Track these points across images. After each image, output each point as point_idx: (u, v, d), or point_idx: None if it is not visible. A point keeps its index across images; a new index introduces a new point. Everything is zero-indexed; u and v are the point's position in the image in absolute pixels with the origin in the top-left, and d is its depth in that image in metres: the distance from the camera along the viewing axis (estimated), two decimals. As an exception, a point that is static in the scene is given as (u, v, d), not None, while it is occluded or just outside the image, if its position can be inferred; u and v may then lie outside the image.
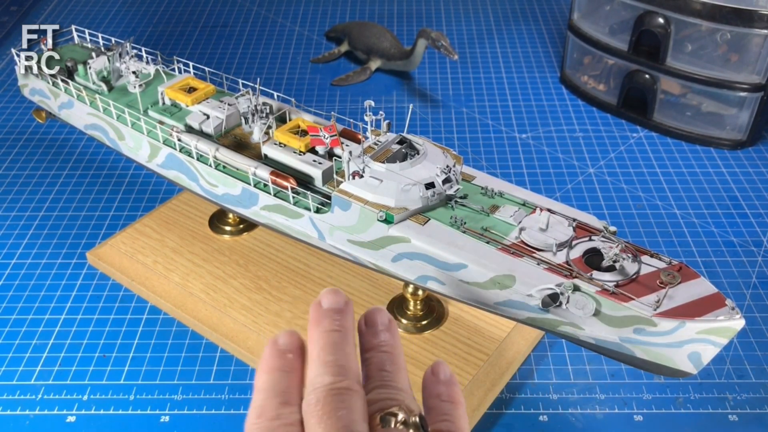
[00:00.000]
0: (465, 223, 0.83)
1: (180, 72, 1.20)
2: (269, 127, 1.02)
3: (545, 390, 1.00)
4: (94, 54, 1.17)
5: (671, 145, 1.54)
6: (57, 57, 1.22)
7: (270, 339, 0.42)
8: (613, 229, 0.83)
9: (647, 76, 1.54)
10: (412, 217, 0.85)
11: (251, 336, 1.03)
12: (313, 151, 0.97)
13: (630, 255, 0.78)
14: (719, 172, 1.45)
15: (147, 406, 0.98)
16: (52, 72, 1.18)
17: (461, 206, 0.86)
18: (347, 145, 0.94)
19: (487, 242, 0.81)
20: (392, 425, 0.38)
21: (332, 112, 0.99)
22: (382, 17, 2.17)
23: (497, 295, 0.80)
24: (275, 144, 0.98)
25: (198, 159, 1.02)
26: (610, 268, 0.77)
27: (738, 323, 0.71)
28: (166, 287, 1.11)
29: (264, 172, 0.94)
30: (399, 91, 1.77)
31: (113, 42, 1.25)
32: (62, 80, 1.17)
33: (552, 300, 0.76)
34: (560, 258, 0.79)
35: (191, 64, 1.19)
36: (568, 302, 0.75)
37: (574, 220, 0.84)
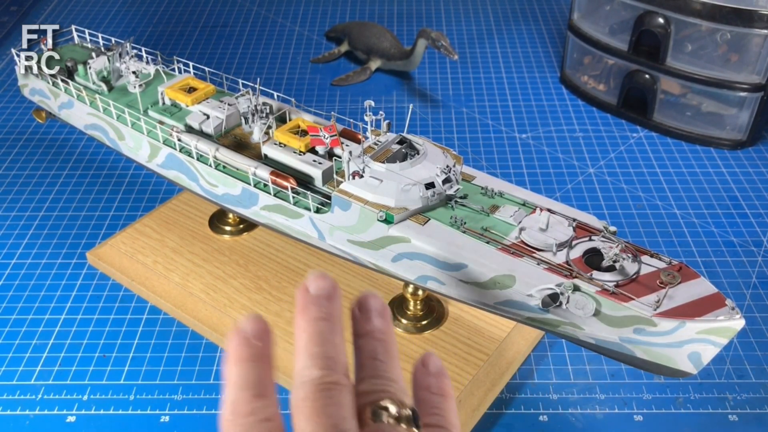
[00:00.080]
0: (465, 223, 0.83)
1: (180, 72, 1.20)
2: (269, 127, 1.02)
3: (545, 390, 1.00)
4: (94, 54, 1.17)
5: (671, 145, 1.54)
6: (57, 57, 1.22)
7: (233, 327, 0.40)
8: (613, 229, 0.83)
9: (647, 76, 1.54)
10: (412, 217, 0.85)
11: (251, 336, 1.03)
12: (313, 151, 0.97)
13: (630, 255, 0.78)
14: (719, 172, 1.45)
15: (147, 406, 0.98)
16: (52, 72, 1.18)
17: (461, 206, 0.86)
18: (347, 145, 0.94)
19: (487, 242, 0.81)
20: (383, 419, 0.37)
21: (332, 112, 0.99)
22: (382, 17, 2.17)
23: (497, 295, 0.80)
24: (275, 144, 0.98)
25: (198, 159, 1.02)
26: (610, 268, 0.77)
27: (738, 323, 0.71)
28: (166, 287, 1.11)
29: (264, 172, 0.94)
30: (399, 91, 1.77)
31: (113, 42, 1.25)
32: (62, 80, 1.17)
33: (552, 300, 0.76)
34: (560, 258, 0.79)
35: (191, 64, 1.20)
36: (568, 302, 0.75)
37: (574, 220, 0.83)
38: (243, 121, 1.05)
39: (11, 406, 0.98)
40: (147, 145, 1.08)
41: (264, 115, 1.03)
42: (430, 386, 0.42)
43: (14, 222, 1.33)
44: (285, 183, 0.92)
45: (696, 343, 0.72)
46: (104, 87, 1.16)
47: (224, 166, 1.00)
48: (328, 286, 0.41)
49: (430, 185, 0.84)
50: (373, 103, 0.90)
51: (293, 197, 0.93)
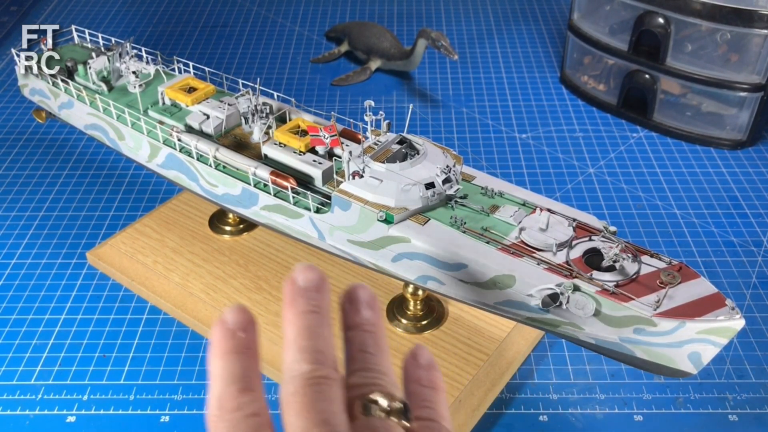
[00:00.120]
0: (465, 223, 0.83)
1: (180, 72, 1.20)
2: (269, 127, 1.02)
3: (545, 390, 1.00)
4: (94, 54, 1.17)
5: (671, 145, 1.54)
6: (57, 57, 1.22)
7: (217, 319, 0.39)
8: (613, 229, 0.83)
9: (647, 76, 1.54)
10: (412, 217, 0.85)
11: (251, 336, 1.03)
12: (313, 151, 0.97)
13: (630, 255, 0.78)
14: (719, 172, 1.45)
15: (147, 406, 0.98)
16: (52, 72, 1.18)
17: (461, 206, 0.86)
18: (347, 145, 0.94)
19: (487, 242, 0.81)
20: (374, 412, 0.36)
21: (332, 112, 0.99)
22: (382, 17, 2.17)
23: (497, 295, 0.80)
24: (275, 144, 0.98)
25: (198, 159, 1.02)
26: (610, 268, 0.77)
27: (738, 323, 0.71)
28: (166, 287, 1.11)
29: (264, 172, 0.94)
30: (399, 91, 1.77)
31: (113, 42, 1.25)
32: (62, 80, 1.17)
33: (552, 300, 0.76)
34: (560, 258, 0.79)
35: (191, 64, 1.20)
36: (568, 302, 0.75)
37: (574, 220, 0.83)
38: (243, 121, 1.05)
39: (11, 406, 0.98)
40: (147, 145, 1.08)
41: (264, 115, 1.03)
42: (421, 379, 0.42)
43: (14, 222, 1.33)
44: (285, 183, 0.92)
45: (696, 343, 0.72)
46: (104, 87, 1.16)
47: (224, 166, 1.00)
48: (316, 277, 0.40)
49: (430, 185, 0.84)
50: (373, 103, 0.90)
51: (293, 197, 0.93)
